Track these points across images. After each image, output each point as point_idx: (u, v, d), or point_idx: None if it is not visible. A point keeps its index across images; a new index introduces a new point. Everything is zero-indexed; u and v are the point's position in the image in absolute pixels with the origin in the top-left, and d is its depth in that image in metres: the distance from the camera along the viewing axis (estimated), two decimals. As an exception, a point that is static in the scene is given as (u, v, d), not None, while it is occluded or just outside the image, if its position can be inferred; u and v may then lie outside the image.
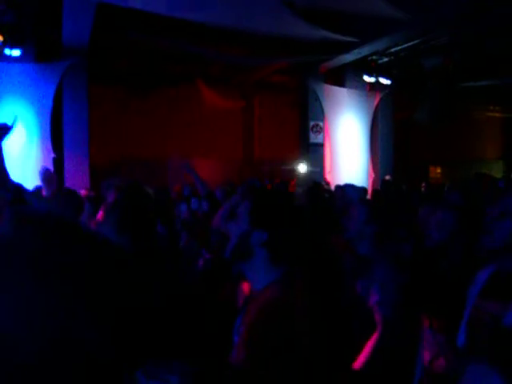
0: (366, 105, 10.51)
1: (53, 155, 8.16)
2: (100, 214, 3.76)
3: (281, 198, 1.54)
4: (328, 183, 8.83)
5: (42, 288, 0.54)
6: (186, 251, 3.43)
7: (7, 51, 7.05)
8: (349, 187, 5.81)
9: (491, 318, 1.54)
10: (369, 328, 2.46)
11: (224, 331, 1.64)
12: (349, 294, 2.69)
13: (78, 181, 8.02)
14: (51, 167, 8.09)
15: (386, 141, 10.79)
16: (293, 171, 9.73)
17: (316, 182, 8.04)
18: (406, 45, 8.64)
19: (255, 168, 10.89)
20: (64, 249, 0.57)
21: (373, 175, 10.59)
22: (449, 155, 13.46)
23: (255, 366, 1.27)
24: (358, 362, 2.40)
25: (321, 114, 10.22)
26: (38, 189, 6.02)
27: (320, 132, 10.20)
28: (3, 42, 6.80)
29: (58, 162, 8.28)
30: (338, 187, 6.92)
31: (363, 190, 6.24)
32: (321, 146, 10.29)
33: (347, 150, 10.28)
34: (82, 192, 6.87)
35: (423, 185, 7.84)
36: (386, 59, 9.59)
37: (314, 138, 10.17)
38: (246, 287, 2.30)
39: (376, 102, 10.64)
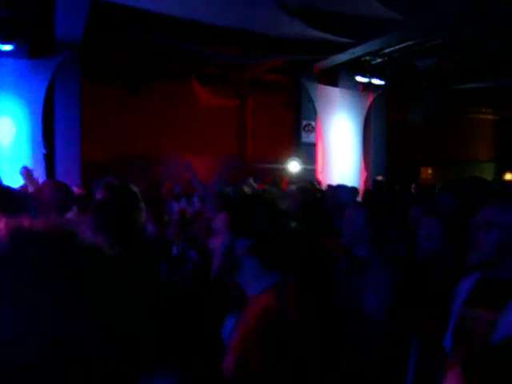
0: (358, 105, 10.54)
1: (44, 151, 8.10)
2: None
3: (257, 204, 1.51)
4: (320, 182, 8.85)
5: (41, 288, 0.54)
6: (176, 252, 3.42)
7: (-1, 46, 6.99)
8: (341, 188, 5.82)
9: (478, 326, 1.56)
10: (361, 328, 2.48)
11: (214, 332, 1.63)
12: (341, 294, 2.70)
13: (69, 178, 7.95)
14: (42, 163, 8.05)
15: (378, 141, 10.83)
16: (285, 169, 9.74)
17: (309, 180, 8.06)
18: (399, 46, 8.67)
19: (248, 166, 10.88)
20: (63, 250, 0.58)
21: (365, 175, 10.63)
22: (441, 156, 13.55)
23: (247, 375, 1.27)
24: (349, 363, 2.43)
25: (313, 114, 10.23)
26: (23, 187, 5.98)
27: (312, 131, 10.21)
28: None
29: (49, 158, 8.22)
30: (330, 187, 6.95)
31: (354, 189, 6.26)
32: (313, 145, 10.31)
33: (339, 150, 10.31)
34: (73, 189, 6.83)
35: (413, 186, 7.88)
36: (379, 60, 9.62)
37: (305, 138, 10.19)
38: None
39: (369, 103, 10.68)
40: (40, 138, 8.04)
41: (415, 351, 2.47)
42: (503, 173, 13.63)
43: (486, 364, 1.38)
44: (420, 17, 6.95)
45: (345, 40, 7.95)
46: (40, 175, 7.96)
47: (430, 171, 14.42)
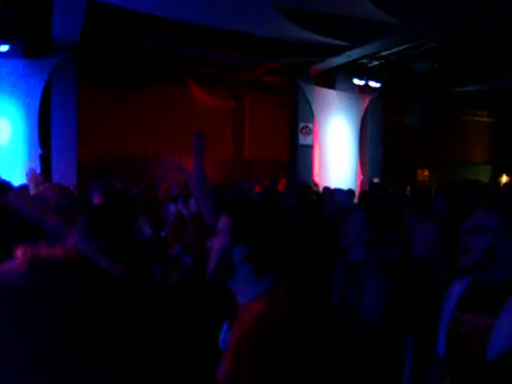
0: (355, 107, 10.58)
1: (40, 152, 8.09)
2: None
3: (260, 212, 1.53)
4: (317, 185, 8.88)
5: (56, 312, 0.57)
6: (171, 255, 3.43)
7: (-5, 46, 6.99)
8: (338, 191, 5.85)
9: (472, 331, 1.56)
10: (357, 330, 2.49)
11: (210, 336, 1.64)
12: (337, 296, 2.71)
13: (65, 178, 7.95)
14: (38, 164, 8.03)
15: (374, 143, 10.87)
16: (282, 172, 9.76)
17: (305, 183, 8.08)
18: (396, 49, 8.71)
19: (245, 168, 10.90)
20: (77, 278, 0.61)
21: (361, 177, 10.67)
22: (437, 158, 13.59)
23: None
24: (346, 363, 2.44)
25: (310, 116, 10.26)
26: (23, 187, 5.97)
27: (309, 134, 10.24)
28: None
29: (45, 158, 8.20)
30: (327, 190, 6.97)
31: (350, 191, 6.30)
32: (310, 147, 10.34)
33: (336, 152, 10.34)
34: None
35: (408, 188, 7.91)
36: (376, 62, 9.66)
37: (303, 140, 10.21)
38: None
39: (365, 105, 10.72)
40: (36, 139, 8.03)
41: (410, 354, 2.49)
42: (499, 175, 13.69)
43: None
44: (415, 20, 6.98)
45: (341, 43, 7.98)
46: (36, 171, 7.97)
47: (426, 173, 14.46)
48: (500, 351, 1.46)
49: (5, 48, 7.09)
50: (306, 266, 2.85)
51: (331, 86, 10.41)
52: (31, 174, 4.63)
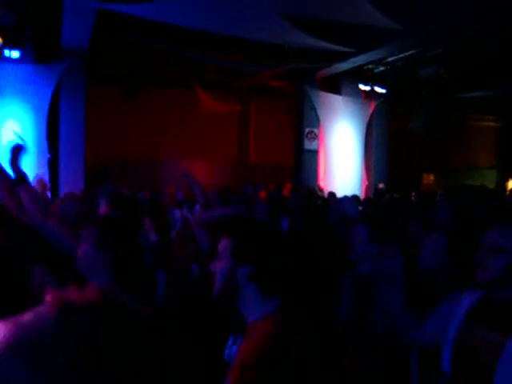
0: (360, 113, 10.61)
1: (48, 155, 8.20)
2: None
3: (260, 230, 1.52)
4: (322, 190, 8.92)
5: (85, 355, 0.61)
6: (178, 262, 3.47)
7: (7, 52, 7.12)
8: (344, 200, 5.85)
9: (481, 345, 1.52)
10: (364, 344, 2.48)
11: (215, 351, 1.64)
12: (345, 310, 2.70)
13: (72, 182, 8.07)
14: (46, 167, 8.14)
15: (380, 148, 10.89)
16: (287, 176, 9.81)
17: (310, 188, 8.13)
18: (402, 55, 8.74)
19: (250, 173, 10.96)
20: (107, 322, 0.65)
21: (366, 182, 10.68)
22: (442, 163, 13.58)
23: None
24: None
25: (316, 121, 10.30)
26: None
27: (315, 139, 10.28)
28: (3, 43, 6.85)
29: (53, 162, 8.32)
30: (332, 195, 7.00)
31: (355, 197, 6.32)
32: (315, 152, 10.38)
33: (341, 157, 10.38)
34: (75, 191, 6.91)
35: (413, 194, 7.92)
36: (382, 68, 9.69)
37: (308, 145, 10.25)
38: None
39: (371, 111, 10.74)
40: (45, 142, 8.14)
41: (414, 367, 2.46)
42: (505, 180, 13.63)
43: None
44: (419, 26, 7.02)
45: (347, 49, 8.03)
46: (45, 179, 8.08)
47: (431, 178, 14.44)
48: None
49: (16, 54, 7.23)
50: (313, 281, 2.85)
51: (337, 92, 10.46)
52: (39, 181, 4.71)
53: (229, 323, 1.57)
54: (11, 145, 2.42)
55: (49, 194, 6.26)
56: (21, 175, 2.37)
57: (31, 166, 8.06)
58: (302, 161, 10.27)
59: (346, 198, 5.90)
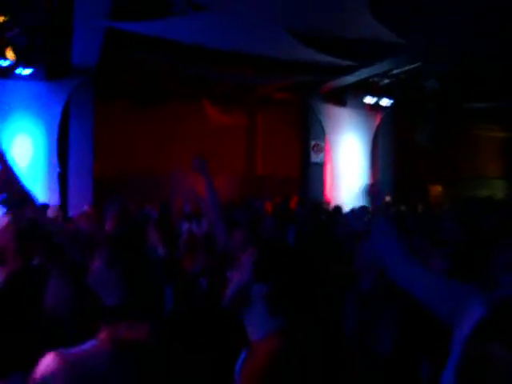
0: (366, 125, 10.67)
1: (58, 170, 8.34)
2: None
3: (285, 252, 1.54)
4: (328, 203, 8.95)
5: None
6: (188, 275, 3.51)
7: (19, 70, 7.31)
8: (351, 215, 5.87)
9: (494, 363, 1.40)
10: (371, 362, 2.47)
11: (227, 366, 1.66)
12: (350, 328, 2.70)
13: (81, 196, 8.18)
14: (56, 182, 8.28)
15: (386, 160, 10.92)
16: (293, 189, 9.85)
17: (316, 202, 8.16)
18: (406, 67, 8.81)
19: (257, 185, 11.01)
20: (161, 359, 0.70)
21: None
22: (449, 174, 13.54)
23: None
24: None
25: (322, 134, 10.37)
26: (43, 206, 6.18)
27: (321, 151, 10.34)
28: (15, 61, 7.03)
29: (63, 176, 8.45)
30: (338, 210, 7.01)
31: (363, 208, 6.32)
32: (321, 165, 10.43)
33: (348, 170, 10.41)
34: (85, 208, 7.01)
35: (420, 206, 7.92)
36: (387, 81, 9.76)
37: (315, 158, 10.31)
38: None
39: (377, 122, 10.80)
40: (55, 158, 8.29)
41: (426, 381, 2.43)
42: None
43: None
44: (423, 40, 7.10)
45: (352, 63, 8.12)
46: (55, 193, 8.21)
47: (439, 189, 14.40)
48: None
49: (28, 71, 7.41)
50: (318, 298, 2.86)
51: (342, 104, 10.53)
52: (52, 208, 4.87)
53: (240, 338, 1.58)
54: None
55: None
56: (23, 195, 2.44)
57: (42, 181, 8.22)
58: (309, 173, 10.32)
59: (352, 211, 5.91)
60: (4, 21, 6.00)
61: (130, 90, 9.60)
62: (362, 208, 6.36)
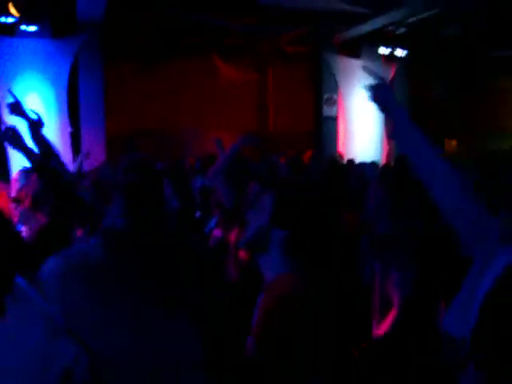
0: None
1: (70, 129, 8.32)
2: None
3: (304, 198, 1.54)
4: (341, 156, 8.85)
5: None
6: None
7: (23, 27, 7.17)
8: (365, 165, 5.83)
9: None
10: (386, 307, 2.50)
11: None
12: (365, 273, 2.72)
13: (94, 154, 8.18)
14: (69, 141, 8.28)
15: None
16: (307, 143, 9.74)
17: (330, 156, 8.07)
18: (423, 15, 8.43)
19: (269, 140, 10.91)
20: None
21: (387, 148, 10.53)
22: (466, 128, 13.21)
23: (267, 355, 1.33)
24: (374, 336, 2.47)
25: (335, 87, 10.12)
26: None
27: (334, 105, 10.13)
28: (19, 18, 6.89)
29: (75, 135, 8.44)
30: (351, 163, 6.95)
31: (373, 165, 6.27)
32: (334, 119, 10.24)
33: (361, 123, 10.22)
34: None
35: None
36: (402, 30, 9.39)
37: (327, 111, 10.12)
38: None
39: (392, 74, 10.48)
40: (66, 117, 8.25)
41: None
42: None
43: None
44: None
45: (365, 11, 7.81)
46: (68, 153, 8.23)
47: (454, 143, 14.09)
48: None
49: (33, 28, 7.28)
50: (332, 244, 2.87)
51: (356, 56, 10.20)
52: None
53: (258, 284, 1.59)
54: (29, 120, 2.44)
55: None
56: (47, 149, 2.42)
57: (54, 141, 8.22)
58: (322, 127, 10.16)
59: (363, 163, 5.86)
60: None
61: (138, 46, 9.41)
62: (372, 163, 6.32)
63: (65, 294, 0.63)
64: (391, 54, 9.87)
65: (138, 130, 9.68)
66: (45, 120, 2.71)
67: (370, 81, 1.64)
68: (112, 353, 0.81)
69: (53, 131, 8.19)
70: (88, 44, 8.15)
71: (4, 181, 4.02)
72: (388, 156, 10.34)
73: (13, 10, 6.82)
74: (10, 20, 6.98)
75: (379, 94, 1.70)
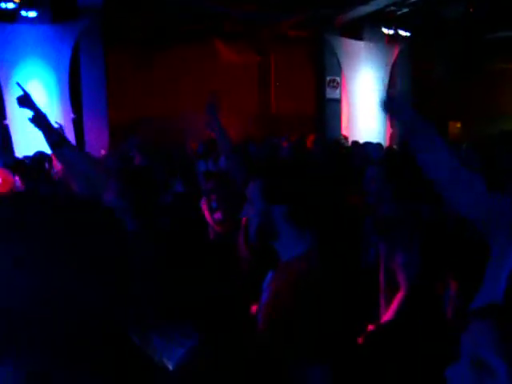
0: (384, 59, 10.25)
1: (72, 116, 8.30)
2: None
3: (289, 168, 1.54)
4: (345, 138, 8.82)
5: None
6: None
7: (23, 13, 7.12)
8: (368, 146, 5.82)
9: None
10: (392, 289, 2.50)
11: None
12: (369, 254, 2.73)
13: (97, 141, 8.19)
14: (71, 128, 8.27)
15: (404, 95, 10.58)
16: (309, 127, 9.69)
17: (334, 138, 8.05)
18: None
19: (272, 123, 10.86)
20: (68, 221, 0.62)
21: (391, 130, 10.47)
22: (470, 110, 13.09)
23: (276, 337, 1.33)
24: (383, 320, 2.48)
25: (338, 69, 10.03)
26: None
27: (337, 87, 10.05)
28: (19, 4, 6.85)
29: (78, 122, 8.43)
30: (356, 144, 6.93)
31: (379, 146, 6.24)
32: (338, 101, 10.17)
33: (365, 105, 10.14)
34: (102, 152, 7.05)
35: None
36: (405, 10, 9.25)
37: (330, 94, 10.04)
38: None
39: (395, 55, 10.38)
40: (68, 103, 8.23)
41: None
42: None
43: None
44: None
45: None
46: (71, 139, 8.21)
47: (458, 125, 13.97)
48: None
49: (33, 14, 7.23)
50: (338, 225, 2.87)
51: (358, 37, 10.09)
52: None
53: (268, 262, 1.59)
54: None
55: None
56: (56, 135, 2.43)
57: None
58: (325, 110, 10.09)
59: (368, 143, 5.85)
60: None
61: (139, 32, 9.33)
62: (378, 145, 6.30)
63: None
64: (394, 34, 9.75)
65: (140, 116, 9.66)
66: (46, 106, 2.71)
67: (373, 63, 1.60)
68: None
69: (55, 118, 8.19)
70: (89, 30, 8.08)
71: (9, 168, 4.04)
72: (392, 137, 10.29)
73: (12, -4, 6.79)
74: (11, 6, 6.93)
75: (395, 107, 1.69)
